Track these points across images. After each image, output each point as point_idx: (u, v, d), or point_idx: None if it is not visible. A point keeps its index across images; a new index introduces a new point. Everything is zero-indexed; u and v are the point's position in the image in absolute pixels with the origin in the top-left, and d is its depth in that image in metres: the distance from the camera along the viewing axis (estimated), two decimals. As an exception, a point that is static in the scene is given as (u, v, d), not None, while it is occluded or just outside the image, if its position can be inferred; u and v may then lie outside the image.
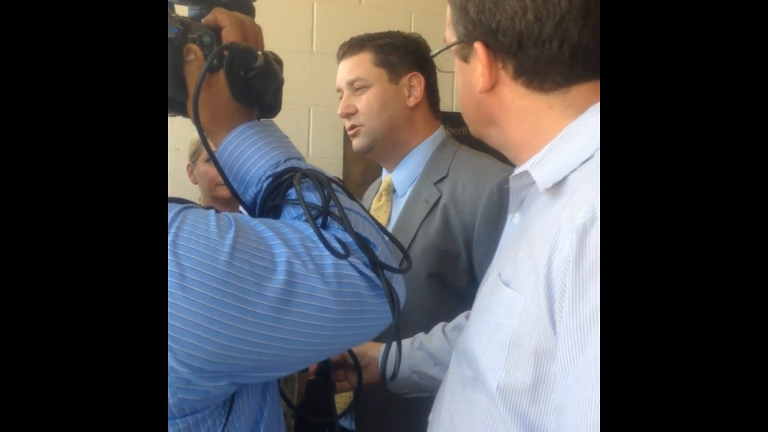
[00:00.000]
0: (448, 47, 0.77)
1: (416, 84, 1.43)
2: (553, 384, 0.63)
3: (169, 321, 0.60)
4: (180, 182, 2.26)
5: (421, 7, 2.88)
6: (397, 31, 1.47)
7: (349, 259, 0.68)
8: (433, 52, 0.88)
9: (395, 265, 0.72)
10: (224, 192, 2.01)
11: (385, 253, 0.72)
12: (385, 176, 1.51)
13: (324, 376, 1.07)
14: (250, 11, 0.81)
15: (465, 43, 0.73)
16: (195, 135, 2.08)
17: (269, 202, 0.75)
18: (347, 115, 1.44)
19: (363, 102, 1.42)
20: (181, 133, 2.40)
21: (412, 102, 1.43)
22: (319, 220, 0.71)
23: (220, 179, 1.98)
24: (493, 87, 0.73)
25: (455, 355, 0.80)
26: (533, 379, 0.65)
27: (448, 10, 0.76)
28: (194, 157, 2.09)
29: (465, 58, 0.75)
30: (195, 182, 2.15)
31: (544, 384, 0.64)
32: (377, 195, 1.52)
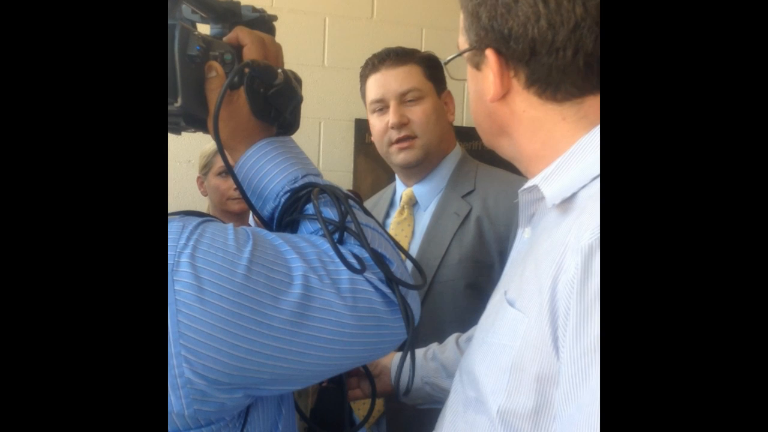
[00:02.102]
0: (459, 54, 0.74)
1: (449, 101, 1.48)
2: (555, 411, 0.61)
3: (186, 333, 0.60)
4: (190, 194, 2.27)
5: (432, 22, 2.90)
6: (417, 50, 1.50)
7: (365, 274, 0.69)
8: (446, 59, 0.84)
9: (410, 281, 0.73)
10: (234, 206, 2.02)
11: (400, 269, 0.73)
12: (404, 190, 1.52)
13: (336, 384, 1.08)
14: (271, 30, 0.82)
15: (477, 50, 0.71)
16: (205, 147, 2.10)
17: (287, 217, 0.76)
18: (401, 126, 1.41)
19: (419, 113, 1.41)
20: (192, 145, 2.43)
21: (451, 117, 1.47)
22: (336, 236, 0.72)
23: (231, 193, 2.01)
24: (505, 96, 0.71)
25: (458, 375, 0.78)
26: (535, 404, 0.62)
27: (461, 15, 0.73)
28: (205, 169, 2.09)
29: (477, 66, 0.73)
30: (205, 194, 2.16)
31: (546, 410, 0.62)
32: (399, 209, 1.52)
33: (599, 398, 0.52)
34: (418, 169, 1.46)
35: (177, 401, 0.62)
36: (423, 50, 1.52)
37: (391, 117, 1.41)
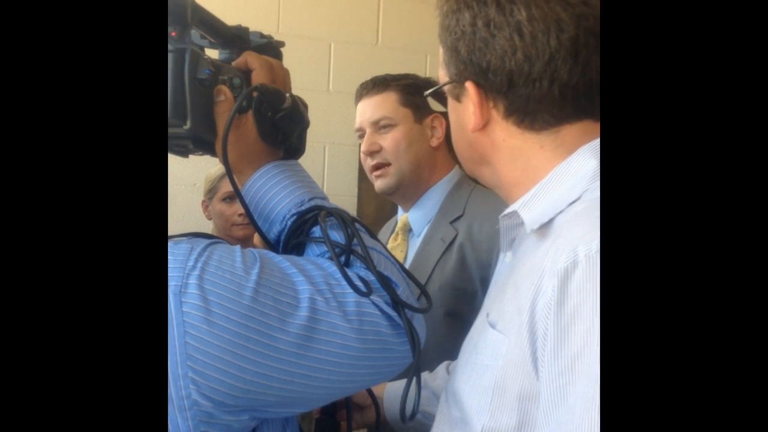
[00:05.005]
0: (440, 87, 0.77)
1: (438, 125, 1.47)
2: (536, 429, 0.62)
3: (194, 354, 0.61)
4: (194, 218, 2.28)
5: (436, 48, 2.92)
6: (415, 75, 1.50)
7: (371, 297, 0.69)
8: (427, 92, 0.88)
9: (416, 305, 0.73)
10: (238, 232, 2.02)
11: (406, 292, 0.73)
12: (401, 215, 1.52)
13: (329, 415, 1.07)
14: (279, 56, 0.84)
15: (457, 83, 0.74)
16: (211, 171, 2.11)
17: (293, 240, 0.77)
18: (372, 153, 1.45)
19: (389, 140, 1.43)
20: (198, 168, 2.44)
21: (435, 142, 1.46)
22: (342, 258, 0.73)
23: (235, 219, 2.01)
24: (485, 126, 0.73)
25: (444, 396, 0.79)
26: (517, 422, 0.64)
27: (441, 50, 0.76)
28: (210, 194, 2.09)
29: (457, 98, 0.75)
30: (209, 218, 2.16)
31: (528, 428, 0.63)
32: (393, 234, 1.53)
33: (579, 417, 0.54)
34: (401, 196, 1.48)
35: (183, 423, 0.62)
36: (427, 76, 1.53)
37: (363, 144, 1.46)
